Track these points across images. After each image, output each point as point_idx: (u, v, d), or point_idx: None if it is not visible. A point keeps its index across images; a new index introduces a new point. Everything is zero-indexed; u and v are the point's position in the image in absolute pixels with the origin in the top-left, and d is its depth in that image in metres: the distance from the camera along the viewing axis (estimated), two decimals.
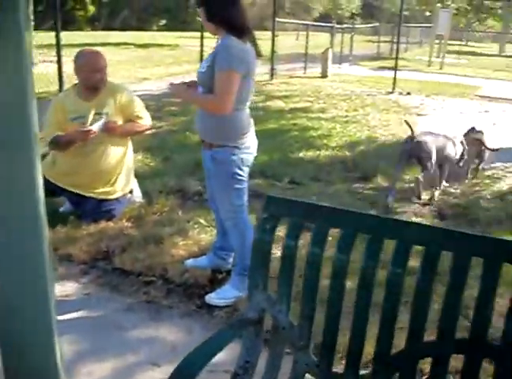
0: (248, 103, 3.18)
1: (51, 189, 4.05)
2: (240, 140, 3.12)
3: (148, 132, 4.91)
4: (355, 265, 1.79)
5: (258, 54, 3.43)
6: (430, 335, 1.77)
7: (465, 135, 5.90)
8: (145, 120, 4.49)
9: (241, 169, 3.17)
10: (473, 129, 6.07)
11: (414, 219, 4.79)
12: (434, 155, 5.23)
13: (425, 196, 5.29)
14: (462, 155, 5.66)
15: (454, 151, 5.55)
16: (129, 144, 4.57)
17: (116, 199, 4.43)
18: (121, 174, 4.46)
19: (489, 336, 1.68)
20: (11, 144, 1.70)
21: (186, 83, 3.26)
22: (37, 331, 2.01)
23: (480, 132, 6.04)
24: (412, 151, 5.24)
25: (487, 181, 6.05)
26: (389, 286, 1.71)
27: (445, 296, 1.68)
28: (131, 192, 4.67)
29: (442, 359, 1.72)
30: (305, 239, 1.96)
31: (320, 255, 1.76)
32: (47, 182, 4.13)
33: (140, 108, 4.46)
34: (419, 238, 1.72)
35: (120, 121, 4.33)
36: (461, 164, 5.75)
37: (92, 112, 4.23)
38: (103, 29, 35.29)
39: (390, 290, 1.71)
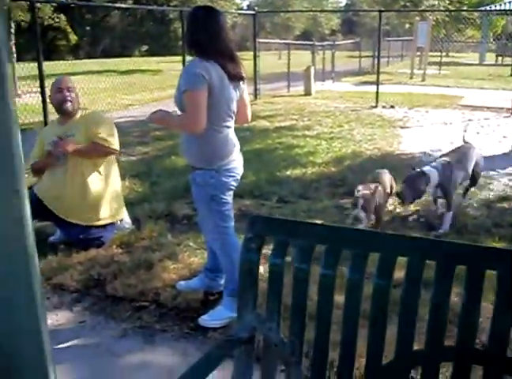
0: (226, 125, 3.19)
1: (45, 213, 4.26)
2: (219, 163, 3.15)
3: (133, 157, 4.94)
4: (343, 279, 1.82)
5: (237, 76, 3.43)
6: (419, 345, 1.80)
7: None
8: (110, 144, 4.46)
9: (222, 192, 3.20)
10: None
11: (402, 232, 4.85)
12: None
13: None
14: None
15: None
16: (115, 170, 4.60)
17: (103, 226, 4.45)
18: (105, 200, 4.47)
19: (477, 342, 1.72)
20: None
21: (161, 110, 3.32)
22: (32, 362, 2.02)
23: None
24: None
25: (474, 189, 6.11)
26: (375, 298, 1.74)
27: (431, 305, 1.71)
28: (121, 220, 4.68)
29: (432, 368, 1.75)
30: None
31: (306, 271, 1.79)
32: (42, 205, 4.19)
33: (107, 133, 4.43)
34: (403, 249, 1.75)
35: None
36: None
37: (61, 135, 4.37)
38: (86, 58, 35.45)
39: (377, 301, 1.74)
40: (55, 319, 3.43)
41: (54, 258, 4.15)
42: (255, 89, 14.09)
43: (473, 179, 5.53)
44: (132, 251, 4.33)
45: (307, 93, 15.41)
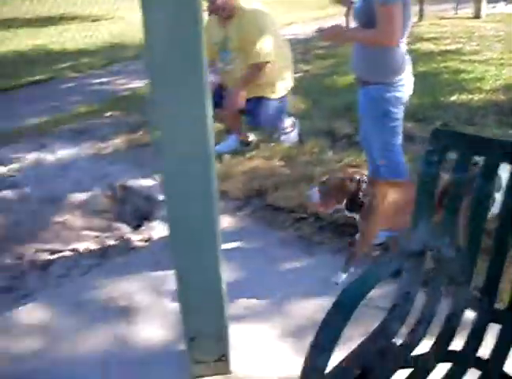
0: (403, 40, 3.07)
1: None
2: (395, 77, 3.07)
3: (294, 75, 5.04)
4: None
5: None
6: None
7: None
8: (264, 58, 4.55)
9: (395, 107, 3.12)
10: None
11: None
12: None
13: None
14: None
15: None
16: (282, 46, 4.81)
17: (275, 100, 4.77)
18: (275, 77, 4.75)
19: None
20: (185, 83, 1.83)
21: (336, 25, 3.22)
22: (204, 254, 2.20)
23: None
24: None
25: None
26: None
27: None
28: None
29: None
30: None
31: (488, 189, 1.73)
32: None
33: (259, 42, 4.48)
34: None
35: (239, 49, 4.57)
36: None
37: (223, 38, 4.59)
38: None
39: None
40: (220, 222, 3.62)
41: (218, 167, 4.33)
42: (420, 10, 13.37)
43: None
44: (293, 165, 4.42)
45: (476, 16, 14.37)
